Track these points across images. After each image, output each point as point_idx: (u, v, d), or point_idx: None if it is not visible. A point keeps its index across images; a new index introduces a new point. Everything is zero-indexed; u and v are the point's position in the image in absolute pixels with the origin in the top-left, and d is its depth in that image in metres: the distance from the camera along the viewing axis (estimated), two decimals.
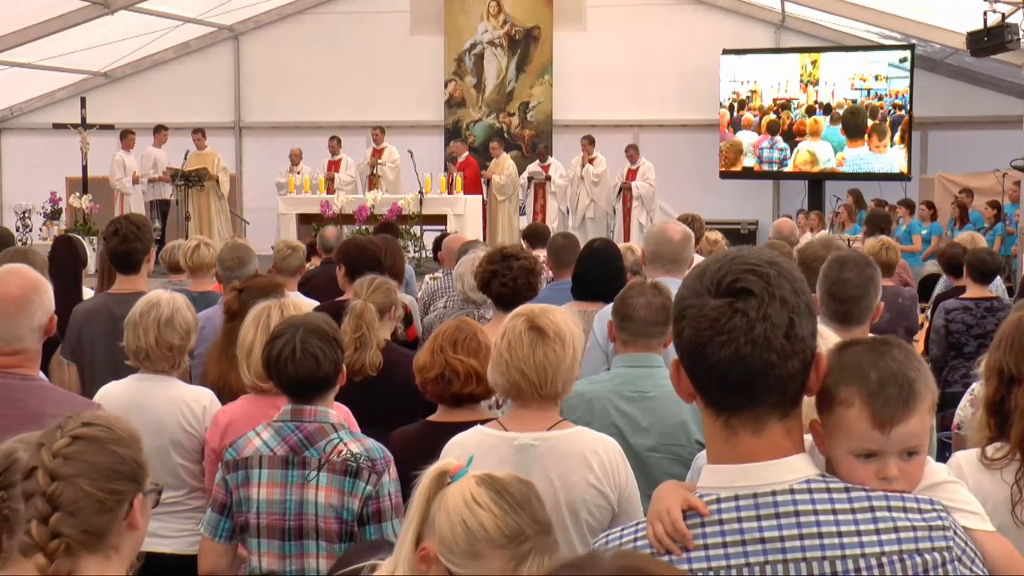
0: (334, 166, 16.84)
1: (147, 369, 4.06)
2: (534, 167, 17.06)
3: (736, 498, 1.72)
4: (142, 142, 16.92)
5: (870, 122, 16.41)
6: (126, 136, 16.62)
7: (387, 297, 4.78)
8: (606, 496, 3.06)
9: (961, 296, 7.33)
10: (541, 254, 7.37)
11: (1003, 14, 11.32)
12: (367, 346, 4.36)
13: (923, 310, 9.07)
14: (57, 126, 17.00)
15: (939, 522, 1.75)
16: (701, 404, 1.79)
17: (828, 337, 4.45)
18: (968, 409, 4.12)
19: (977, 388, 4.14)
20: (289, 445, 3.21)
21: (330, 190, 15.64)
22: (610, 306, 4.57)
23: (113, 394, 4.07)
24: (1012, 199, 13.87)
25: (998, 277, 8.94)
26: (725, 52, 16.97)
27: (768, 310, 1.69)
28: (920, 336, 8.97)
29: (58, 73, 18.24)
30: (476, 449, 3.10)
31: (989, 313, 7.10)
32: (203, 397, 4.08)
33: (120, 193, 16.44)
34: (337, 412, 3.76)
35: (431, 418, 3.71)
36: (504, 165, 16.86)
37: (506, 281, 4.61)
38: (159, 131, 16.98)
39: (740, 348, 1.68)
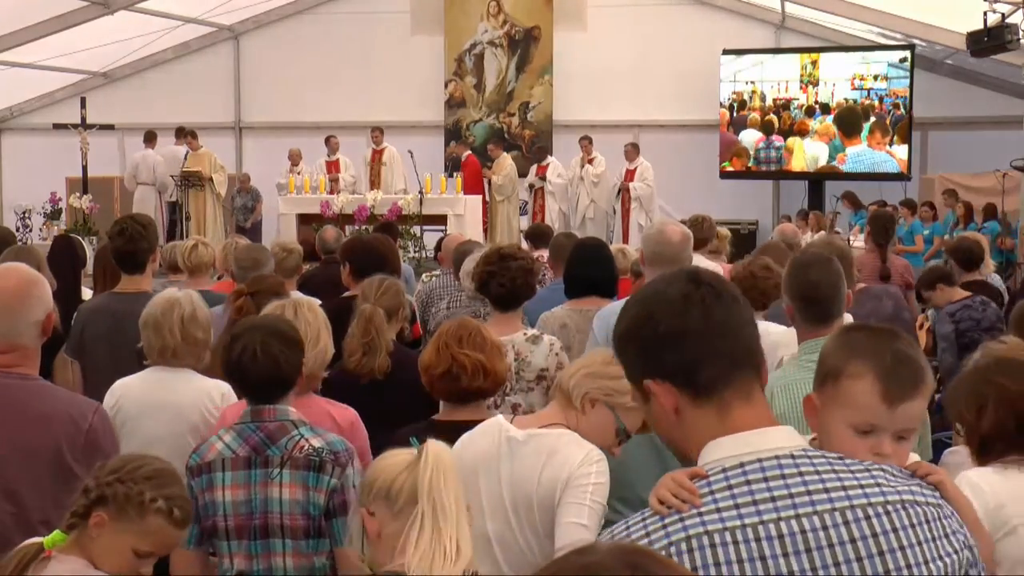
0: (333, 167, 16.81)
1: (171, 365, 4.09)
2: (532, 176, 17.01)
3: (741, 464, 1.77)
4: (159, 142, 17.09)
5: (867, 123, 16.40)
6: (152, 138, 16.64)
7: (396, 299, 4.76)
8: (554, 492, 3.04)
9: (954, 300, 7.30)
10: (544, 254, 7.39)
11: (1003, 14, 11.33)
12: (376, 351, 4.33)
13: (924, 310, 9.07)
14: (57, 126, 17.00)
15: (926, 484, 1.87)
16: (689, 399, 1.83)
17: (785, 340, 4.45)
18: None
19: None
20: (251, 445, 3.21)
21: (334, 190, 15.65)
22: (610, 306, 4.60)
23: (130, 385, 4.11)
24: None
25: (997, 276, 8.95)
26: (725, 52, 16.97)
27: (720, 289, 1.86)
28: (922, 335, 8.98)
29: (58, 73, 18.23)
30: (479, 428, 3.21)
31: (984, 305, 7.13)
32: (223, 385, 4.10)
33: (158, 192, 16.54)
34: (342, 414, 3.78)
35: (436, 417, 3.72)
36: (503, 166, 16.84)
37: (504, 282, 4.57)
38: (181, 134, 16.97)
39: (716, 310, 1.82)
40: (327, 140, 16.97)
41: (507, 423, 3.17)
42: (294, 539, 3.16)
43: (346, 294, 5.78)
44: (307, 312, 3.84)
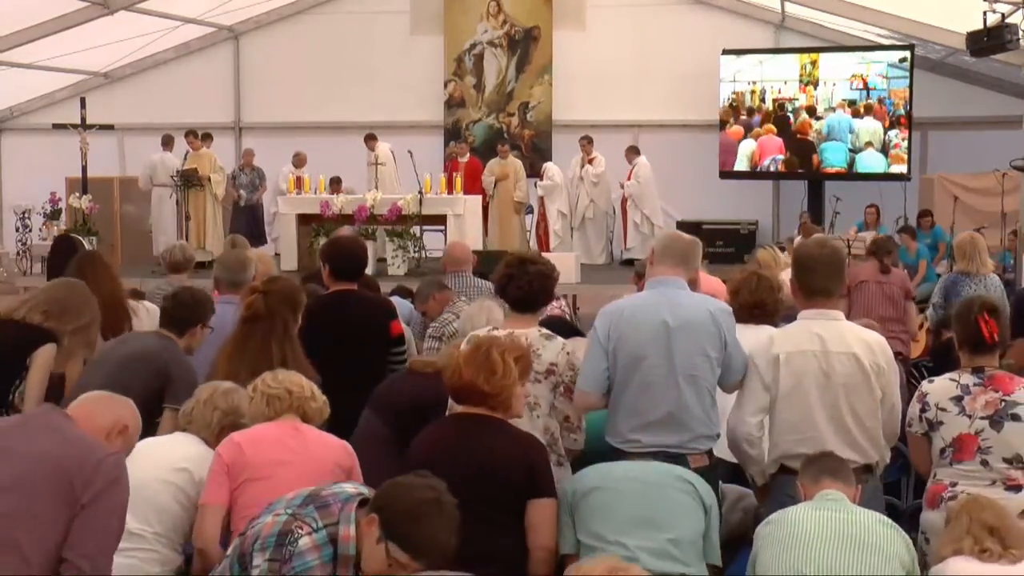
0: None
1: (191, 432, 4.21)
2: (537, 191, 17.08)
3: None
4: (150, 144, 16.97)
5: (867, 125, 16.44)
6: (170, 141, 16.44)
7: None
8: None
9: None
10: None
11: (1003, 14, 11.32)
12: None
13: (922, 310, 9.08)
14: (57, 126, 16.96)
15: None
16: None
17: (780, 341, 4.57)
18: (916, 406, 4.22)
19: (925, 386, 4.26)
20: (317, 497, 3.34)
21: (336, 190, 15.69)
22: (613, 303, 4.63)
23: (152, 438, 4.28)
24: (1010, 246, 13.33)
25: (996, 276, 8.91)
26: (725, 52, 16.97)
27: None
28: (921, 335, 8.98)
29: (58, 73, 18.22)
30: None
31: None
32: (206, 452, 4.13)
33: (172, 192, 16.39)
34: (344, 448, 4.06)
35: (452, 412, 4.03)
36: (518, 177, 16.78)
37: (521, 284, 4.69)
38: (190, 136, 16.86)
39: None
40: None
41: None
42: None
43: (327, 292, 5.83)
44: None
